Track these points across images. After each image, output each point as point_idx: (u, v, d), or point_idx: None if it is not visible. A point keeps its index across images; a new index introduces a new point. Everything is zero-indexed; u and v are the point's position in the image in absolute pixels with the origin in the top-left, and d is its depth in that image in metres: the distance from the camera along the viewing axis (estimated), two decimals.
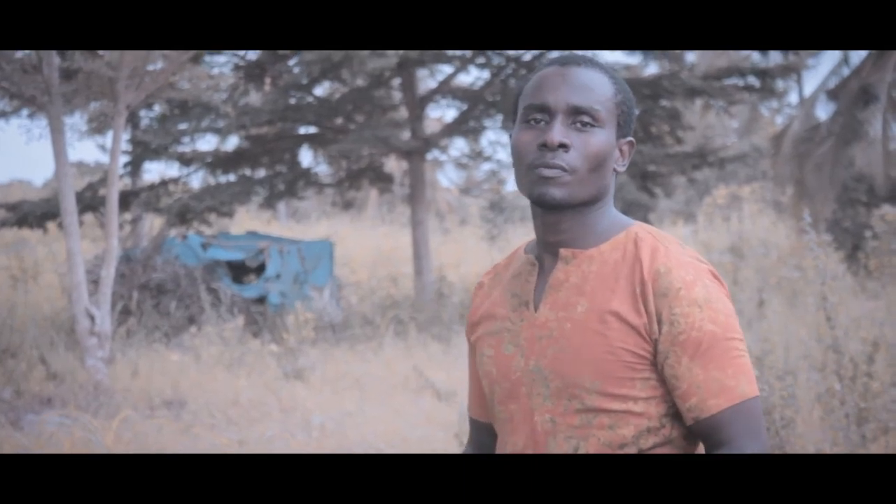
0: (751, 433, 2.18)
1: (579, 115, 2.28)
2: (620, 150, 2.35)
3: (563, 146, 2.26)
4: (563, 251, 2.33)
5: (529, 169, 2.29)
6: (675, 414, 2.27)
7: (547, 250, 2.36)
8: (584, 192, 2.29)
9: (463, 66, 19.16)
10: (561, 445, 2.26)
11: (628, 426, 2.23)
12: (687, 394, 2.20)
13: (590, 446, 2.23)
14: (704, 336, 2.20)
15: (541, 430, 2.27)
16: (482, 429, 2.52)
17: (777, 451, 6.79)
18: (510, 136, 2.42)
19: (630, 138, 2.36)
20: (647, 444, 2.24)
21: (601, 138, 2.29)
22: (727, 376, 2.19)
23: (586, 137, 2.28)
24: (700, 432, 2.22)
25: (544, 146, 2.27)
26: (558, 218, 2.32)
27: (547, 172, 2.26)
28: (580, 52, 2.42)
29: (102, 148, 30.06)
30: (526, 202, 21.30)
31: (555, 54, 17.90)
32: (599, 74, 2.32)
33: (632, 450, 2.23)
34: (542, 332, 2.30)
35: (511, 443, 2.32)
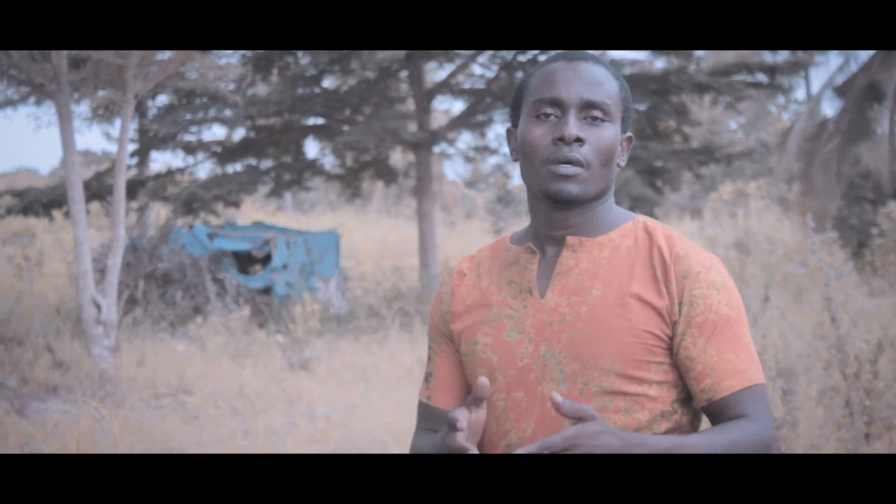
0: (761, 414, 2.23)
1: (591, 110, 2.31)
2: (621, 145, 2.39)
3: (579, 140, 2.29)
4: (569, 239, 2.35)
5: (543, 164, 2.31)
6: (684, 400, 2.31)
7: (548, 241, 2.38)
8: (596, 186, 2.32)
9: (465, 65, 19.15)
10: None
11: (643, 410, 2.26)
12: (701, 375, 2.25)
13: None
14: (721, 319, 2.26)
15: (553, 414, 2.27)
16: (441, 418, 2.43)
17: (779, 447, 6.81)
18: (507, 130, 2.45)
19: (629, 134, 2.41)
20: (661, 429, 2.27)
21: (611, 132, 2.32)
22: (739, 359, 2.25)
23: (598, 132, 2.31)
24: (713, 413, 2.26)
25: (560, 140, 2.29)
26: (567, 214, 2.35)
27: (564, 170, 2.29)
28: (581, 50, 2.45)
29: (108, 136, 30.10)
30: None
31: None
32: (605, 71, 2.36)
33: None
34: (553, 317, 2.31)
35: (518, 429, 2.30)
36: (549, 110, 2.32)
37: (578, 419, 2.07)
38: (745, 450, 2.17)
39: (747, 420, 2.21)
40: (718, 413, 2.24)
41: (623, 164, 2.39)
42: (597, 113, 2.31)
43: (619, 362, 2.25)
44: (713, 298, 2.26)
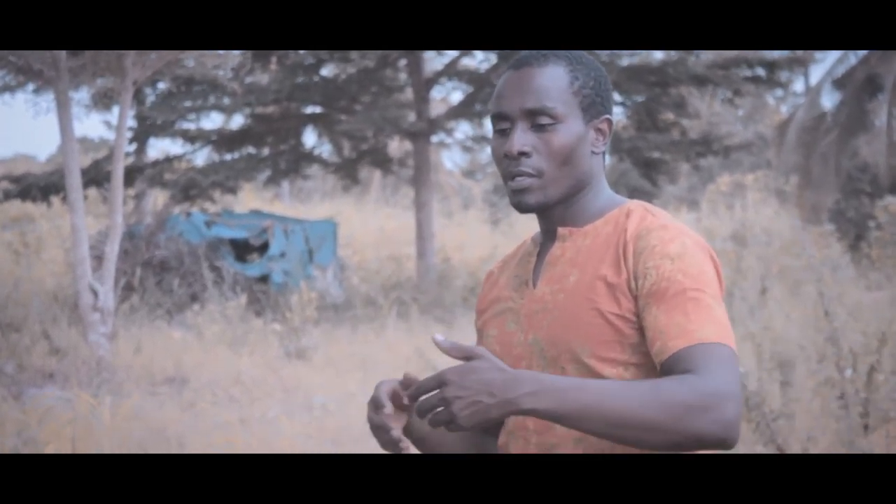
0: (710, 368, 2.10)
1: (536, 117, 2.30)
2: (598, 130, 2.36)
3: (522, 154, 2.30)
4: (560, 230, 2.37)
5: (504, 180, 2.35)
6: None
7: (548, 235, 2.41)
8: (559, 189, 2.33)
9: (464, 54, 19.15)
10: None
11: None
12: (652, 340, 2.19)
13: None
14: (671, 285, 2.20)
15: None
16: None
17: (774, 440, 6.81)
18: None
19: (606, 116, 2.37)
20: None
21: (563, 134, 2.31)
22: (689, 321, 2.17)
23: (548, 137, 2.30)
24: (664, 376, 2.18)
25: (507, 156, 2.31)
26: (550, 212, 2.37)
27: (516, 184, 2.31)
28: (536, 50, 2.39)
29: (108, 125, 30.09)
30: None
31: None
32: (553, 68, 2.33)
33: None
34: (539, 305, 2.34)
35: (513, 418, 2.32)
36: (501, 125, 2.33)
37: (466, 359, 2.05)
38: (679, 397, 2.04)
39: (690, 374, 2.10)
40: (667, 374, 2.15)
41: (601, 149, 2.37)
42: (542, 119, 2.30)
43: (588, 345, 2.24)
44: (665, 267, 2.21)
